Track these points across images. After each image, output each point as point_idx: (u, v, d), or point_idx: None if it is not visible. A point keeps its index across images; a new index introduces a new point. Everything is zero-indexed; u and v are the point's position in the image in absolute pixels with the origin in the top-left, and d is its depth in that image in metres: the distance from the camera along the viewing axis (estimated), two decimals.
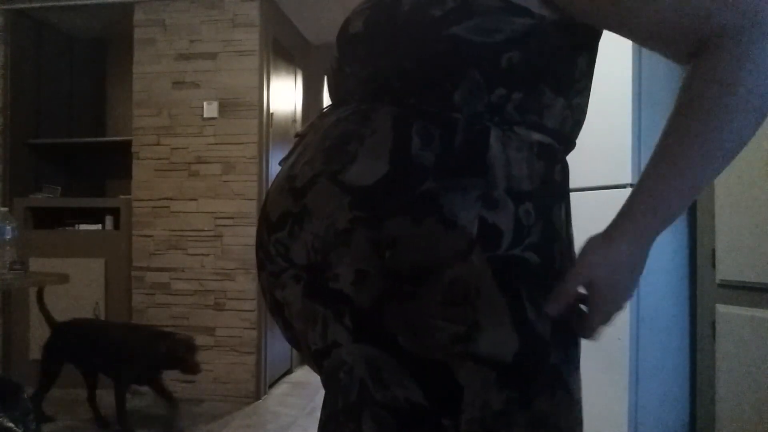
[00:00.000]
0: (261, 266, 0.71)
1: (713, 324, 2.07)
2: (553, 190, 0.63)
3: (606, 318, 0.61)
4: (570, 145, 0.70)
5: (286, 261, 0.65)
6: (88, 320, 2.79)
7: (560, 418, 0.59)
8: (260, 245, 0.70)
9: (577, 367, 0.63)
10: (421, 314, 0.56)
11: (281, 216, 0.66)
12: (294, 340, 0.70)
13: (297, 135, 0.74)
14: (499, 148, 0.59)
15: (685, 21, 0.55)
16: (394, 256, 0.57)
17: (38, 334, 3.24)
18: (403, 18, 0.62)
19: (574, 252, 0.64)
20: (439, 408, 0.57)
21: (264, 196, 3.23)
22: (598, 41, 0.68)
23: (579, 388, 0.63)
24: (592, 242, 0.60)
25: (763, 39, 0.52)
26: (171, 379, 3.12)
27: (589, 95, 0.71)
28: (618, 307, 0.61)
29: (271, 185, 0.72)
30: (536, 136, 0.62)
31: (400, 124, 0.60)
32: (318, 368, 0.65)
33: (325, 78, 0.79)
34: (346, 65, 0.70)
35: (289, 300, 0.65)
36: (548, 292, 0.59)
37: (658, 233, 0.59)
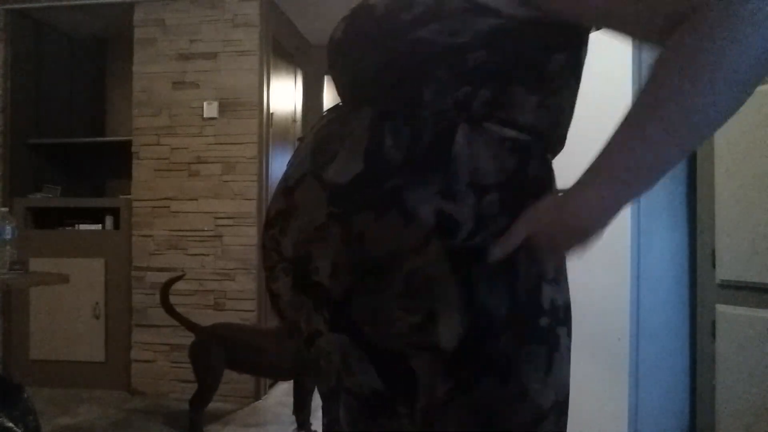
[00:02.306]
0: (262, 262, 0.75)
1: (713, 324, 2.07)
2: (526, 184, 0.64)
3: (553, 262, 0.62)
4: (551, 143, 0.70)
5: (279, 255, 0.69)
6: (240, 324, 2.72)
7: (506, 406, 0.60)
8: (262, 242, 0.75)
9: (535, 358, 0.61)
10: (381, 306, 0.59)
11: (276, 213, 0.70)
12: (289, 330, 0.74)
13: (299, 139, 0.79)
14: (465, 143, 0.61)
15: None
16: (360, 250, 0.60)
17: (38, 334, 3.25)
18: (377, 24, 0.65)
19: None
20: (397, 395, 0.61)
21: (263, 196, 3.21)
22: (581, 42, 0.68)
23: (534, 378, 0.61)
24: (544, 201, 0.61)
25: (732, 15, 0.50)
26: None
27: (571, 95, 0.71)
28: (560, 257, 0.63)
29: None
30: (509, 132, 0.64)
31: (375, 125, 0.64)
32: (309, 354, 0.70)
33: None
34: (332, 71, 0.74)
35: (280, 292, 0.70)
36: (510, 279, 0.59)
37: (627, 183, 0.57)
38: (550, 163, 0.69)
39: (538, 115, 0.66)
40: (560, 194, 0.61)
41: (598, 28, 0.66)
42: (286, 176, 0.71)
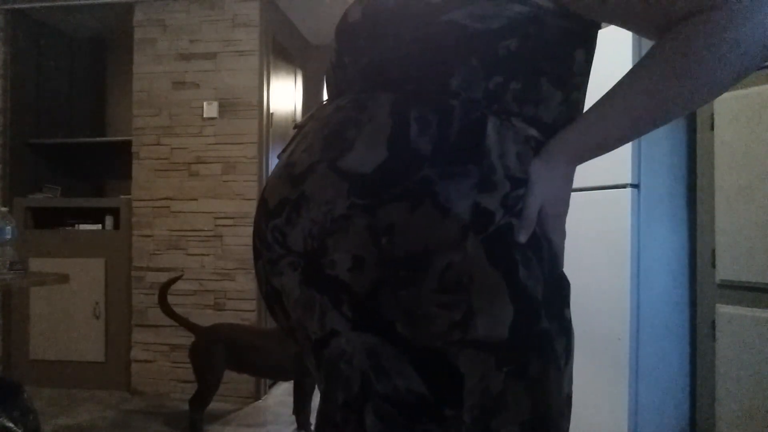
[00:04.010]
0: (257, 254, 0.70)
1: (713, 324, 2.07)
2: None
3: (562, 228, 0.64)
4: None
5: (284, 248, 0.64)
6: (240, 325, 2.72)
7: (551, 388, 0.60)
8: (257, 232, 0.70)
9: (564, 335, 0.62)
10: (417, 301, 0.56)
11: (279, 203, 0.65)
12: (291, 330, 0.69)
13: (296, 126, 0.74)
14: (496, 137, 0.60)
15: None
16: (390, 242, 0.57)
17: (38, 334, 3.25)
18: (401, 5, 0.63)
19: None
20: (441, 398, 0.57)
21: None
22: (595, 37, 0.68)
23: (565, 359, 0.61)
24: (535, 169, 0.61)
25: (738, 17, 0.53)
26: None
27: (586, 93, 0.71)
28: (563, 220, 0.64)
29: (270, 174, 0.72)
30: (532, 132, 0.63)
31: (397, 111, 0.61)
32: (317, 360, 0.64)
33: (325, 75, 0.79)
34: (345, 55, 0.70)
35: (287, 288, 0.65)
36: (540, 258, 0.60)
37: (591, 154, 0.64)
38: None
39: (559, 112, 0.65)
40: (539, 162, 0.62)
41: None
42: (289, 163, 0.66)
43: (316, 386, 0.65)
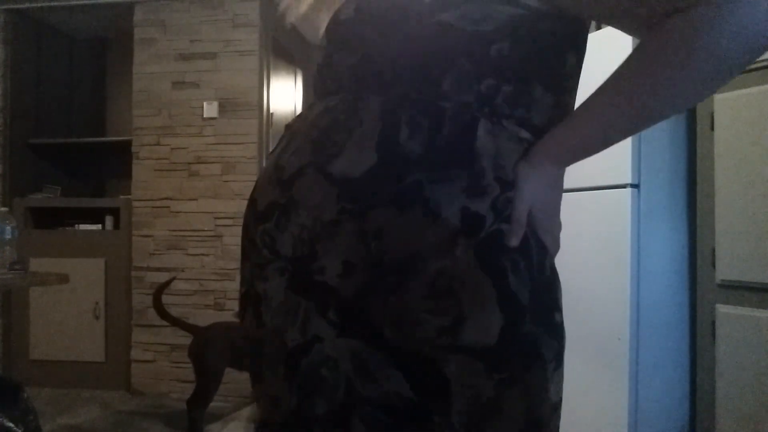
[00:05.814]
0: (245, 256, 0.70)
1: (713, 324, 2.07)
2: None
3: (552, 233, 0.63)
4: None
5: (272, 252, 0.64)
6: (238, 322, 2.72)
7: (541, 393, 0.59)
8: (246, 234, 0.69)
9: (555, 340, 0.61)
10: (406, 307, 0.56)
11: (268, 206, 0.65)
12: (259, 339, 0.68)
13: (287, 126, 0.73)
14: (488, 138, 0.59)
15: None
16: (379, 247, 0.56)
17: (38, 334, 3.25)
18: (395, 3, 0.62)
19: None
20: (429, 403, 0.57)
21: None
22: (586, 40, 0.68)
23: (555, 365, 0.60)
24: (522, 172, 0.60)
25: (719, 15, 0.50)
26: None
27: (576, 96, 0.70)
28: (556, 222, 0.63)
29: (260, 174, 0.71)
30: (524, 134, 0.62)
31: (388, 114, 0.60)
32: (288, 369, 0.63)
33: (312, 75, 0.77)
34: (335, 53, 0.68)
35: (270, 293, 0.64)
36: (528, 263, 0.59)
37: (576, 156, 0.62)
38: None
39: (551, 116, 0.64)
40: (525, 165, 0.61)
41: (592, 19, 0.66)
42: (278, 166, 0.66)
43: (267, 400, 0.65)
